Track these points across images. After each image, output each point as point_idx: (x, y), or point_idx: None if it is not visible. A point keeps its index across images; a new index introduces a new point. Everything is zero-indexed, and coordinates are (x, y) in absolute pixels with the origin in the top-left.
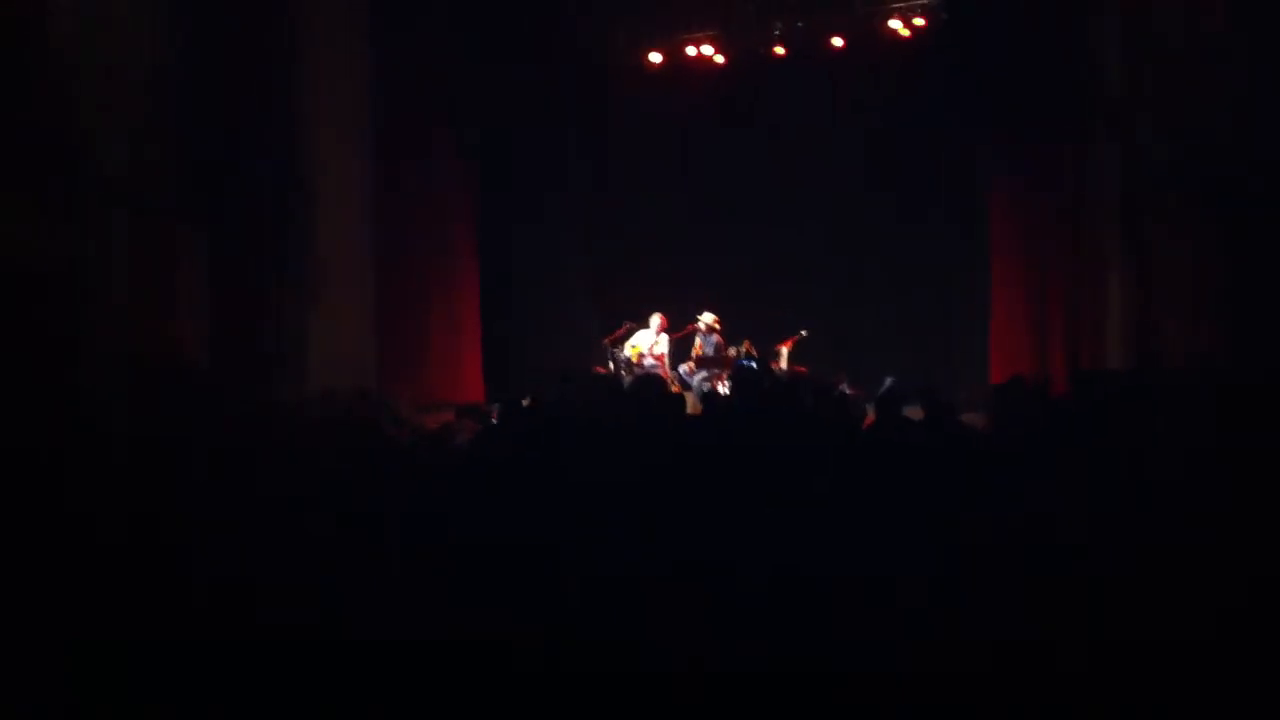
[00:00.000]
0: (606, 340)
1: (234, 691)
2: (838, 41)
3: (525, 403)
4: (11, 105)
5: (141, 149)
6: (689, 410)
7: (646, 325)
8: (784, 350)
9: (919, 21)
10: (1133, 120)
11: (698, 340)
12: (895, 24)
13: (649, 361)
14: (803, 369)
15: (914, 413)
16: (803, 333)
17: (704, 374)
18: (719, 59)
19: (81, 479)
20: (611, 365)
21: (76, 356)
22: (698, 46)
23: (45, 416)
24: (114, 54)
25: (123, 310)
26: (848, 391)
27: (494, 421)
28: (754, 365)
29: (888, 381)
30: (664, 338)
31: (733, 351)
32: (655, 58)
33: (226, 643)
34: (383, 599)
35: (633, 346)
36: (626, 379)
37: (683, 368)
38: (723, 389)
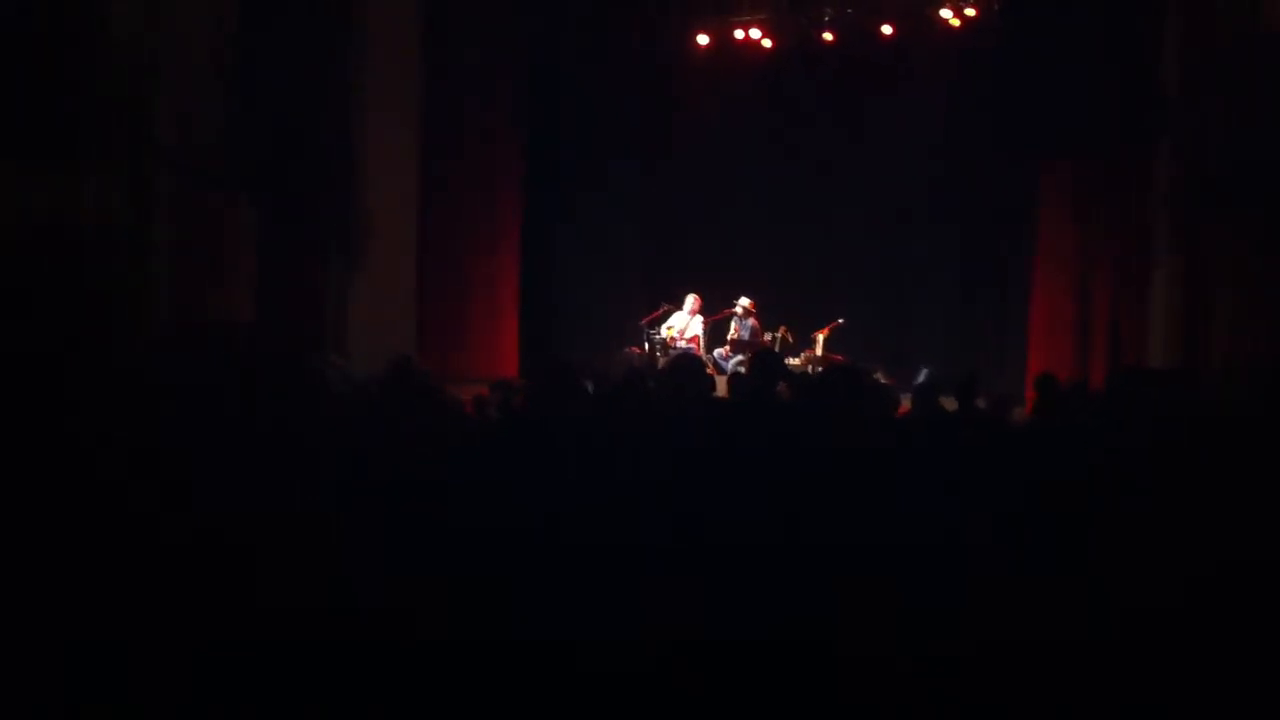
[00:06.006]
0: (644, 321)
1: (234, 691)
2: (887, 29)
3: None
4: (69, 73)
5: (194, 119)
6: (719, 394)
7: (681, 307)
8: (820, 338)
9: (970, 12)
10: (1187, 115)
11: (734, 324)
12: (946, 13)
13: (682, 344)
14: (839, 357)
15: (948, 403)
16: (840, 320)
17: (739, 358)
18: (767, 43)
19: (120, 444)
20: (647, 346)
21: (125, 317)
22: (746, 30)
23: (88, 379)
24: (171, 24)
25: (171, 275)
26: (882, 380)
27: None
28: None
29: (924, 372)
30: (698, 319)
31: (768, 337)
32: (703, 40)
33: (226, 642)
34: (385, 597)
35: (668, 328)
36: (661, 361)
37: (718, 351)
38: None
